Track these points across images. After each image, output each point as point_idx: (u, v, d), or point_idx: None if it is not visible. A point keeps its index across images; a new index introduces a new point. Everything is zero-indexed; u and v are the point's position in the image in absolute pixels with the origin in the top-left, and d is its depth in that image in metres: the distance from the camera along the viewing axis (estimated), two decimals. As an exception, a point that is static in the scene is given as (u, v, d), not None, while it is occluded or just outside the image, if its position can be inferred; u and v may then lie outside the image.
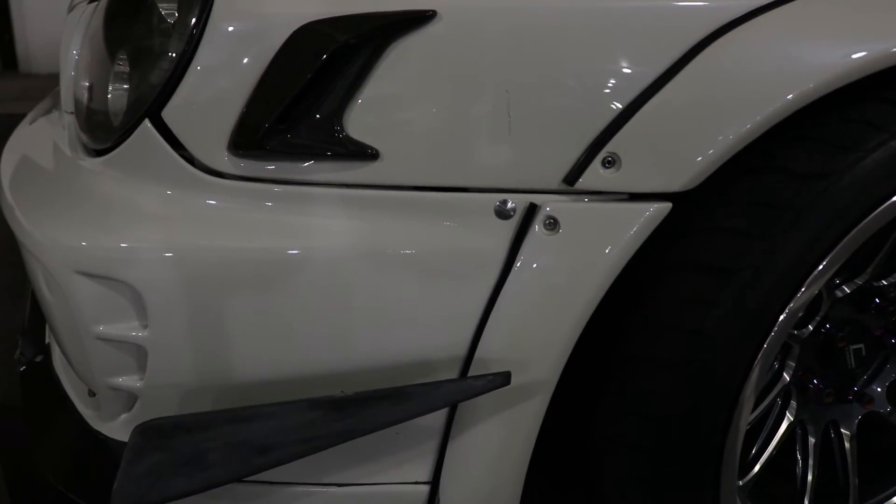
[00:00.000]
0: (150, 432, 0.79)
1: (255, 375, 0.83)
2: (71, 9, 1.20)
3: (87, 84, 0.95)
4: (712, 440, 0.85)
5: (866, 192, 0.80)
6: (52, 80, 1.26)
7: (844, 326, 1.03)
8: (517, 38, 0.76)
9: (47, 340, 1.20)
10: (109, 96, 0.91)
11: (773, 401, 1.02)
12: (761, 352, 0.82)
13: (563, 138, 0.77)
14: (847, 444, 1.08)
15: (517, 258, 0.79)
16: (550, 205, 0.79)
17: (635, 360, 0.84)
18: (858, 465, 1.08)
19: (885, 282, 1.02)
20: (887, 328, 1.06)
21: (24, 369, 1.13)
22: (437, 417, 0.86)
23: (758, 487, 1.04)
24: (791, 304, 0.81)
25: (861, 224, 0.81)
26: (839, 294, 0.98)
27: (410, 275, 0.80)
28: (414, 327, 0.81)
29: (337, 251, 0.80)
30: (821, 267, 0.81)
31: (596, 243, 0.79)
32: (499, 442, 0.86)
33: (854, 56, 0.78)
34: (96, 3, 1.04)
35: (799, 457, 1.06)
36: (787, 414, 1.03)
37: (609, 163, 0.78)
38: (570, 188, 0.79)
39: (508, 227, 0.79)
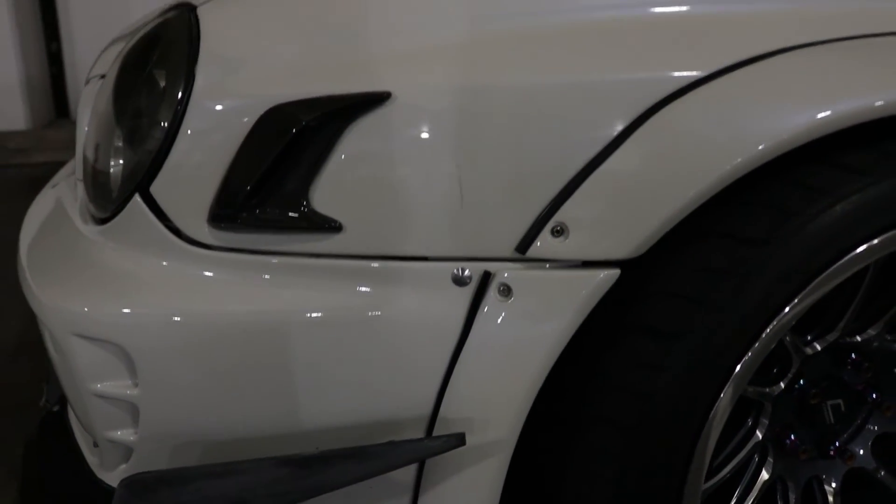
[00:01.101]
0: (134, 486, 0.85)
1: (237, 432, 0.89)
2: (87, 81, 1.29)
3: (93, 156, 1.04)
4: (669, 500, 0.87)
5: (811, 257, 0.82)
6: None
7: (820, 382, 1.04)
8: (466, 116, 0.81)
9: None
10: (111, 169, 0.99)
11: (749, 457, 1.03)
12: (713, 413, 0.84)
13: (512, 209, 0.82)
14: (831, 500, 1.08)
15: (474, 323, 0.84)
16: (504, 272, 0.83)
17: (591, 420, 0.87)
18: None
19: (859, 337, 1.03)
20: (868, 383, 1.06)
21: (42, 420, 1.21)
22: (407, 473, 0.90)
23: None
24: (739, 367, 0.83)
25: (808, 288, 0.83)
26: (809, 351, 1.00)
27: (375, 339, 0.85)
28: (380, 388, 0.86)
29: (306, 317, 0.85)
30: (769, 329, 0.83)
31: (548, 309, 0.82)
32: (464, 497, 0.89)
33: (797, 122, 0.80)
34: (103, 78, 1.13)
35: (780, 511, 1.06)
36: (764, 470, 1.04)
37: (558, 232, 0.82)
38: (522, 256, 0.83)
39: (465, 294, 0.84)
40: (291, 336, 0.85)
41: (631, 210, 0.81)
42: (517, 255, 0.83)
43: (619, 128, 0.81)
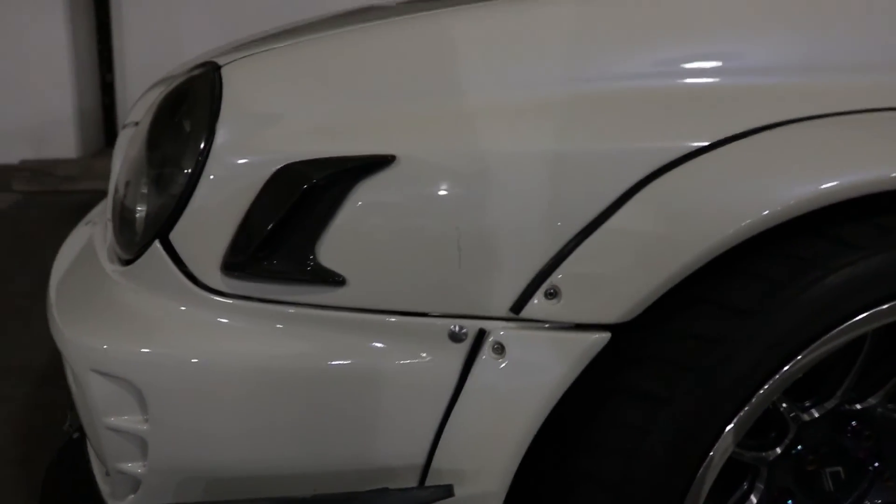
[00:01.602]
0: (137, 518, 0.89)
1: (240, 471, 0.92)
2: (123, 127, 1.36)
3: (122, 198, 1.10)
4: (655, 560, 0.88)
5: (800, 329, 0.83)
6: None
7: (818, 449, 1.04)
8: (466, 181, 0.85)
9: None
10: (137, 214, 1.04)
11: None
12: (698, 476, 0.85)
13: (508, 272, 0.85)
14: (828, 568, 1.07)
15: (468, 378, 0.87)
16: (498, 331, 0.86)
17: (579, 478, 0.89)
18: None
19: (859, 405, 1.03)
20: (870, 451, 1.06)
21: (62, 446, 1.26)
22: (399, 521, 0.93)
23: None
24: (726, 433, 0.84)
25: (798, 359, 0.84)
26: (808, 417, 1.00)
27: (374, 389, 0.88)
28: (377, 437, 0.89)
29: (311, 366, 0.89)
30: (756, 398, 0.84)
31: (539, 368, 0.85)
32: (456, 547, 0.92)
33: (790, 194, 0.82)
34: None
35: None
36: (761, 534, 1.04)
37: (551, 294, 0.84)
38: (516, 316, 0.86)
39: (461, 350, 0.87)
40: (295, 384, 0.89)
41: (623, 275, 0.83)
42: (511, 315, 0.86)
43: (616, 195, 0.83)
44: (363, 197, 0.86)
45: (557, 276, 0.84)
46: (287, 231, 0.88)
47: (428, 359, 0.87)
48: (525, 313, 0.85)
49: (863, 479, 1.08)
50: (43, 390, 1.94)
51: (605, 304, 0.84)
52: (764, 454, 1.00)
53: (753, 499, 1.01)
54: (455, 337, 0.87)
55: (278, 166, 0.87)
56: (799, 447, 1.03)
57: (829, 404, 1.00)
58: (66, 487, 1.21)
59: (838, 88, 0.90)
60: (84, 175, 3.79)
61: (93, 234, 1.25)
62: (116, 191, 1.14)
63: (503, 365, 0.86)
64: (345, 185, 0.86)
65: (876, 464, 1.06)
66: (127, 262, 1.01)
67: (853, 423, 1.04)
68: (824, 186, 0.83)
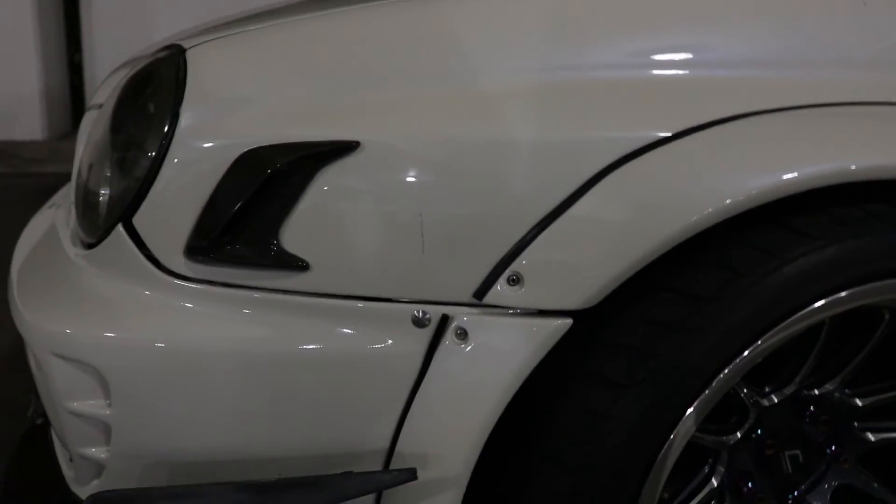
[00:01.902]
0: (99, 502, 0.89)
1: (203, 455, 0.92)
2: (88, 110, 1.34)
3: (86, 182, 1.08)
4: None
5: (757, 316, 0.85)
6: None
7: (778, 434, 1.06)
8: (430, 168, 0.85)
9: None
10: (101, 197, 1.03)
11: (707, 501, 1.05)
12: (658, 460, 0.87)
13: (471, 258, 0.85)
14: (788, 548, 1.10)
15: (431, 363, 0.87)
16: (461, 317, 0.86)
17: (542, 463, 0.90)
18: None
19: (817, 391, 1.05)
20: (826, 435, 1.09)
21: (25, 433, 1.25)
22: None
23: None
24: (684, 419, 0.86)
25: (755, 345, 0.86)
26: (767, 403, 1.02)
27: (338, 374, 0.89)
28: (341, 422, 0.90)
29: (274, 350, 0.89)
30: (713, 384, 0.86)
31: (501, 354, 0.86)
32: (420, 529, 0.92)
33: (750, 185, 0.84)
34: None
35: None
36: (721, 516, 1.06)
37: (514, 281, 0.85)
38: (479, 302, 0.86)
39: (424, 335, 0.87)
40: (259, 368, 0.89)
41: (585, 263, 0.84)
42: (474, 301, 0.86)
43: (578, 183, 0.84)
44: (327, 183, 0.86)
45: (520, 263, 0.84)
46: (250, 216, 0.87)
47: (392, 344, 0.88)
48: (488, 299, 0.86)
49: (820, 461, 1.10)
50: (6, 377, 1.91)
51: (567, 290, 0.84)
52: (724, 438, 1.02)
53: (714, 482, 1.03)
54: (418, 322, 0.87)
55: (242, 151, 0.87)
56: (759, 431, 1.05)
57: (788, 390, 1.02)
58: (31, 473, 1.20)
59: (799, 83, 0.91)
60: (51, 157, 3.74)
61: (56, 217, 1.23)
62: (80, 174, 1.12)
63: (466, 350, 0.86)
64: (309, 170, 0.86)
65: (833, 447, 1.09)
66: (90, 246, 1.00)
67: (811, 408, 1.06)
68: (782, 178, 0.85)
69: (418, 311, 0.87)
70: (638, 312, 0.86)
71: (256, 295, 0.90)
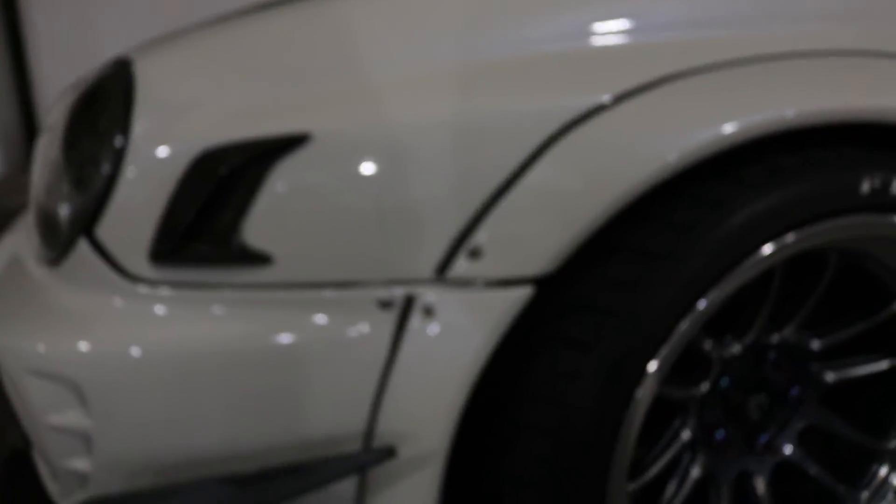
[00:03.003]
0: (87, 510, 0.90)
1: (184, 456, 0.94)
2: (41, 131, 1.35)
3: (44, 201, 1.09)
4: (593, 500, 0.92)
5: (710, 265, 0.88)
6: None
7: (743, 382, 1.10)
8: (380, 151, 0.87)
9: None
10: (59, 213, 1.04)
11: (680, 454, 1.09)
12: (628, 415, 0.90)
13: (430, 235, 0.88)
14: (760, 493, 1.14)
15: (400, 344, 0.89)
16: (426, 295, 0.89)
17: (519, 428, 0.92)
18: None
19: (776, 336, 1.09)
20: (787, 380, 1.13)
21: (8, 455, 1.25)
22: (349, 487, 0.95)
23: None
24: (649, 373, 0.89)
25: (709, 294, 0.89)
26: (730, 352, 1.06)
27: (310, 363, 0.90)
28: (318, 409, 0.91)
29: (245, 346, 0.90)
30: (675, 335, 0.89)
31: (468, 327, 0.88)
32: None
33: (688, 141, 0.87)
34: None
35: (711, 506, 1.12)
36: (696, 466, 1.10)
37: (474, 254, 0.88)
38: (442, 278, 0.89)
39: (391, 316, 0.89)
40: (233, 365, 0.91)
41: (542, 230, 0.87)
42: (437, 278, 0.89)
43: (527, 154, 0.87)
44: (282, 176, 0.88)
45: (479, 236, 0.87)
46: (210, 215, 0.89)
47: (360, 329, 0.90)
48: (450, 274, 0.88)
49: (785, 406, 1.15)
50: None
51: (527, 258, 0.87)
52: (692, 392, 1.05)
53: (686, 434, 1.07)
54: (384, 304, 0.89)
55: (196, 153, 0.88)
56: (724, 383, 1.09)
57: (748, 339, 1.06)
58: (17, 496, 1.21)
59: (732, 39, 0.95)
60: (12, 191, 3.69)
61: (15, 242, 1.24)
62: (36, 194, 1.13)
63: (433, 327, 0.89)
64: (263, 166, 0.87)
65: (795, 390, 1.13)
66: (54, 263, 1.01)
67: (772, 354, 1.10)
68: (720, 132, 0.88)
69: (383, 294, 0.89)
70: (597, 273, 0.89)
71: (223, 293, 0.91)
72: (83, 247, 0.95)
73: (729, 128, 0.88)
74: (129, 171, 0.91)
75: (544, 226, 0.87)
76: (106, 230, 0.94)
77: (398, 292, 0.89)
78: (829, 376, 1.13)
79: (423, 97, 0.89)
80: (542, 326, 0.91)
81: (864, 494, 1.17)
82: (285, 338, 0.90)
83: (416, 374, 0.89)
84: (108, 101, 0.97)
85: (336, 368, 0.90)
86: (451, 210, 0.87)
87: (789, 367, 1.11)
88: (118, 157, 0.92)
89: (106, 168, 0.93)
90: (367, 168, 0.87)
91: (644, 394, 0.90)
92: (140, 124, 0.92)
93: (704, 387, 1.06)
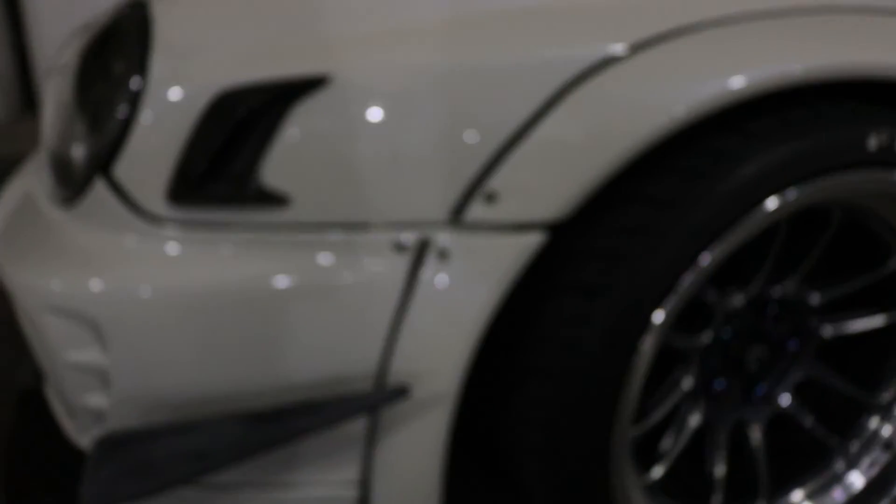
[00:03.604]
0: (107, 444, 0.92)
1: (199, 393, 0.96)
2: (50, 73, 1.35)
3: (57, 142, 1.10)
4: (598, 443, 0.95)
5: (719, 215, 0.90)
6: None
7: (743, 333, 1.13)
8: (398, 96, 0.88)
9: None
10: (73, 154, 1.05)
11: (680, 402, 1.12)
12: (634, 360, 0.92)
13: (447, 179, 0.89)
14: (756, 442, 1.17)
15: (414, 285, 0.91)
16: (440, 238, 0.90)
17: (525, 371, 0.95)
18: (770, 460, 1.18)
19: (778, 290, 1.12)
20: (786, 333, 1.16)
21: (21, 394, 1.28)
22: (360, 426, 0.97)
23: (675, 481, 1.14)
24: (655, 319, 0.91)
25: (716, 243, 0.91)
26: (733, 304, 1.08)
27: (325, 304, 0.92)
28: (332, 349, 0.93)
29: (260, 286, 0.92)
30: (683, 283, 0.91)
31: (482, 270, 0.90)
32: (414, 445, 0.97)
33: (705, 93, 0.88)
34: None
35: (707, 455, 1.15)
36: (695, 414, 1.13)
37: (489, 198, 0.89)
38: (457, 222, 0.90)
39: (405, 259, 0.91)
40: (247, 304, 0.92)
41: (556, 177, 0.89)
42: (452, 221, 0.90)
43: (544, 101, 0.88)
44: (300, 117, 0.89)
45: (494, 181, 0.89)
46: (228, 156, 0.90)
47: (374, 270, 0.91)
48: (465, 218, 0.90)
49: (783, 358, 1.18)
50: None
51: (541, 204, 0.89)
52: (694, 342, 1.08)
53: (687, 382, 1.10)
54: (399, 247, 0.91)
55: (214, 94, 0.89)
56: (725, 334, 1.12)
57: (751, 291, 1.09)
58: (30, 434, 1.23)
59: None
60: (5, 140, 3.66)
61: (27, 184, 1.24)
62: (48, 135, 1.14)
63: (447, 269, 0.91)
64: (281, 106, 0.88)
65: (793, 343, 1.16)
66: (69, 203, 1.03)
67: (772, 307, 1.13)
68: (730, 86, 0.89)
69: (398, 236, 0.91)
70: (608, 220, 0.91)
71: (240, 233, 0.93)
72: (100, 187, 0.96)
73: (739, 81, 0.90)
74: (147, 112, 0.92)
75: (559, 172, 0.89)
76: (123, 170, 0.95)
77: (413, 235, 0.91)
78: (827, 330, 1.16)
79: (441, 42, 0.90)
80: (552, 272, 0.93)
81: (855, 445, 1.21)
82: (300, 278, 0.92)
83: (430, 315, 0.91)
84: (124, 43, 0.98)
85: (350, 309, 0.92)
86: (468, 155, 0.89)
87: (788, 320, 1.14)
88: (135, 98, 0.93)
89: (123, 109, 0.94)
90: (385, 111, 0.88)
91: (650, 341, 0.92)
92: (157, 65, 0.93)
93: (706, 337, 1.09)
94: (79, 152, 1.03)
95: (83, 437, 1.07)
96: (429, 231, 0.91)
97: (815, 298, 1.13)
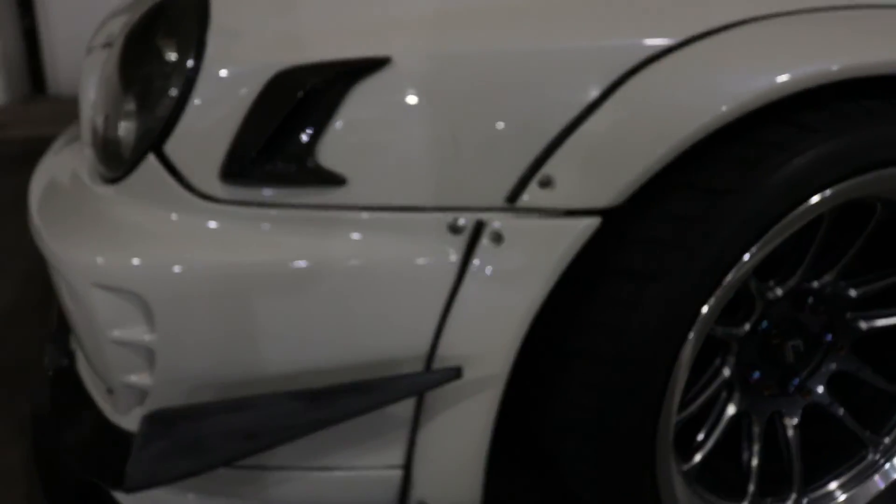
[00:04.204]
0: (156, 421, 0.92)
1: (247, 372, 0.96)
2: (89, 51, 1.34)
3: (102, 121, 1.09)
4: (645, 427, 0.96)
5: (771, 205, 0.91)
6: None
7: (781, 325, 1.13)
8: (460, 79, 0.88)
9: (72, 346, 1.35)
10: (120, 132, 1.04)
11: (718, 392, 1.13)
12: (684, 346, 0.93)
13: (504, 163, 0.90)
14: (790, 433, 1.18)
15: (468, 268, 0.92)
16: (495, 221, 0.91)
17: (574, 354, 0.96)
18: (803, 452, 1.19)
19: (816, 283, 1.12)
20: (823, 326, 1.16)
21: (52, 374, 1.27)
22: (406, 408, 0.98)
23: (711, 471, 1.14)
24: (706, 306, 0.92)
25: (768, 233, 0.92)
26: (772, 295, 1.09)
27: (377, 284, 0.92)
28: (383, 329, 0.94)
29: (314, 265, 0.92)
30: (734, 270, 0.92)
31: (535, 254, 0.91)
32: (460, 429, 0.98)
33: (756, 85, 0.89)
34: (108, 47, 1.19)
35: (744, 445, 1.16)
36: (732, 404, 1.14)
37: (545, 183, 0.90)
38: (513, 206, 0.91)
39: (460, 241, 0.92)
40: (299, 283, 0.93)
41: (611, 164, 0.89)
42: (508, 205, 0.91)
43: (600, 90, 0.89)
44: (360, 98, 0.89)
45: (551, 166, 0.89)
46: (286, 135, 0.90)
47: (429, 251, 0.92)
48: (521, 202, 0.90)
49: (819, 350, 1.18)
50: (10, 330, 1.91)
51: (596, 190, 0.89)
52: (735, 331, 1.09)
53: (726, 372, 1.10)
54: (454, 229, 0.91)
55: (274, 72, 0.89)
56: (764, 324, 1.12)
57: (791, 282, 1.09)
58: (61, 415, 1.22)
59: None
60: (14, 122, 3.65)
61: (66, 160, 1.24)
62: (94, 112, 1.13)
63: (501, 253, 0.91)
64: (342, 87, 0.88)
65: (829, 336, 1.17)
66: (116, 181, 1.02)
67: (810, 300, 1.14)
68: (783, 78, 0.90)
69: (453, 218, 0.91)
70: (662, 208, 0.92)
71: (294, 212, 0.93)
72: (151, 164, 0.96)
73: (795, 74, 0.90)
74: (202, 91, 0.92)
75: (615, 159, 0.89)
76: (175, 147, 0.94)
77: (468, 217, 0.91)
78: (863, 324, 1.17)
79: (502, 27, 0.90)
80: (603, 257, 0.94)
81: (887, 440, 1.22)
82: (354, 259, 0.92)
83: (482, 298, 0.92)
84: (180, 16, 0.97)
85: (403, 291, 0.92)
86: (526, 139, 0.89)
87: (826, 313, 1.15)
88: (191, 76, 0.92)
89: (179, 83, 0.93)
90: (445, 94, 0.89)
91: (700, 327, 0.93)
92: (214, 41, 0.92)
93: (746, 327, 1.09)
94: (127, 130, 1.03)
95: (123, 418, 1.07)
96: (484, 214, 0.91)
97: (853, 292, 1.14)
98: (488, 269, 0.91)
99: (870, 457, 1.21)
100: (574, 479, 1.03)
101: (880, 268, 1.15)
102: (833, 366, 1.19)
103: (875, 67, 0.95)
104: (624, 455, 0.97)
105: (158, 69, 1.00)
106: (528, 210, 0.91)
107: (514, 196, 0.90)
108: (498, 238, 0.91)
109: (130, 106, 1.04)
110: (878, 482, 1.19)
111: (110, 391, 1.12)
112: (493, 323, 0.92)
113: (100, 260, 0.96)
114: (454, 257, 0.92)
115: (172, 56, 0.97)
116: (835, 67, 0.90)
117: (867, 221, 1.09)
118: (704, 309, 0.93)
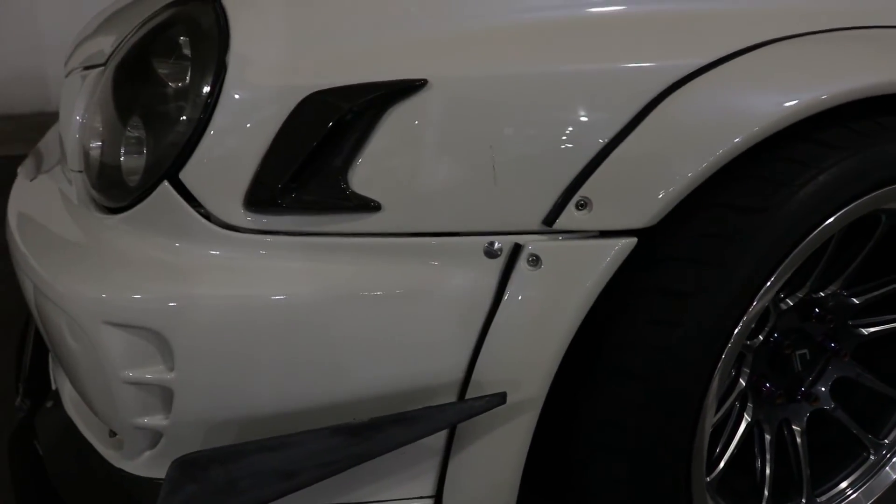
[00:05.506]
0: (186, 465, 0.87)
1: (273, 409, 0.92)
2: (68, 74, 1.27)
3: (98, 146, 1.03)
4: (682, 443, 0.96)
5: (800, 221, 0.92)
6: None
7: (790, 335, 1.16)
8: (497, 102, 0.87)
9: (54, 386, 1.26)
10: (122, 158, 0.99)
11: (733, 404, 1.14)
12: (720, 362, 0.94)
13: (541, 186, 0.88)
14: (798, 440, 1.20)
15: (505, 292, 0.90)
16: (532, 244, 0.89)
17: (612, 374, 0.95)
18: (809, 457, 1.21)
19: (822, 293, 1.15)
20: (826, 334, 1.19)
21: (39, 416, 1.19)
22: (439, 437, 0.95)
23: (723, 483, 1.15)
24: (743, 320, 0.93)
25: (797, 248, 0.93)
26: (783, 306, 1.11)
27: (413, 310, 0.90)
28: (417, 356, 0.91)
29: (345, 294, 0.89)
30: (766, 285, 0.93)
31: (573, 276, 0.90)
32: (494, 456, 0.96)
33: (787, 104, 0.91)
34: (98, 69, 1.12)
35: (757, 453, 1.18)
36: (745, 415, 1.15)
37: (581, 205, 0.89)
38: (549, 229, 0.90)
39: (496, 265, 0.90)
40: (329, 313, 0.89)
41: (646, 185, 0.89)
42: (545, 228, 0.90)
43: (634, 112, 0.88)
44: (395, 122, 0.86)
45: (588, 188, 0.88)
46: (317, 161, 0.87)
47: (464, 277, 0.90)
48: (558, 225, 0.89)
49: (822, 358, 1.21)
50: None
51: (632, 211, 0.89)
52: (749, 342, 1.10)
53: (742, 382, 1.12)
54: (490, 253, 0.90)
55: (304, 95, 0.86)
56: (775, 335, 1.14)
57: (801, 293, 1.12)
58: (54, 461, 1.15)
59: (819, 9, 0.99)
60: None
61: (50, 188, 1.16)
62: (85, 140, 1.07)
63: (538, 276, 0.90)
64: (377, 111, 0.86)
65: (833, 344, 1.20)
66: (118, 211, 0.97)
67: (816, 309, 1.16)
68: (809, 98, 0.91)
69: (490, 243, 0.89)
70: (695, 227, 0.92)
71: (324, 240, 0.89)
72: (164, 192, 0.91)
73: (823, 93, 0.92)
74: (222, 115, 0.88)
75: (651, 180, 0.89)
76: (192, 175, 0.90)
77: (505, 241, 0.90)
78: (864, 332, 1.20)
79: (538, 49, 0.89)
80: (643, 276, 0.93)
81: (886, 443, 1.26)
82: (388, 286, 0.89)
83: (520, 322, 0.90)
84: (197, 36, 0.93)
85: (439, 317, 0.90)
86: (563, 162, 0.88)
87: (831, 321, 1.18)
88: (211, 95, 0.88)
89: (193, 111, 0.89)
90: (482, 117, 0.87)
91: (735, 341, 0.94)
92: (236, 62, 0.88)
93: (760, 337, 1.11)
94: (130, 158, 0.97)
95: (129, 463, 1.01)
96: (520, 238, 0.90)
97: (856, 301, 1.17)
98: (526, 293, 0.90)
99: (871, 458, 1.24)
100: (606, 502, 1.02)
101: (880, 275, 1.19)
102: (836, 372, 1.22)
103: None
104: (661, 474, 0.97)
105: (168, 92, 0.95)
106: (565, 232, 0.90)
107: (551, 219, 0.89)
108: (535, 261, 0.90)
109: (134, 132, 0.98)
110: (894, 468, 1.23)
111: (112, 434, 1.06)
112: (530, 346, 0.91)
113: (110, 295, 0.90)
114: (491, 282, 0.90)
115: (190, 76, 0.92)
116: (864, 85, 0.93)
117: (870, 231, 1.12)
118: (740, 323, 0.93)
